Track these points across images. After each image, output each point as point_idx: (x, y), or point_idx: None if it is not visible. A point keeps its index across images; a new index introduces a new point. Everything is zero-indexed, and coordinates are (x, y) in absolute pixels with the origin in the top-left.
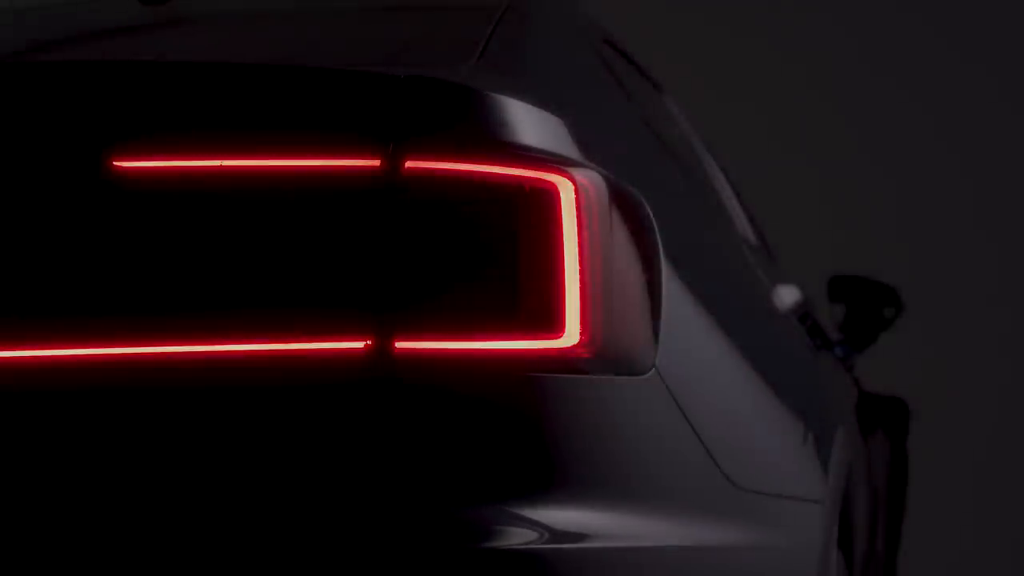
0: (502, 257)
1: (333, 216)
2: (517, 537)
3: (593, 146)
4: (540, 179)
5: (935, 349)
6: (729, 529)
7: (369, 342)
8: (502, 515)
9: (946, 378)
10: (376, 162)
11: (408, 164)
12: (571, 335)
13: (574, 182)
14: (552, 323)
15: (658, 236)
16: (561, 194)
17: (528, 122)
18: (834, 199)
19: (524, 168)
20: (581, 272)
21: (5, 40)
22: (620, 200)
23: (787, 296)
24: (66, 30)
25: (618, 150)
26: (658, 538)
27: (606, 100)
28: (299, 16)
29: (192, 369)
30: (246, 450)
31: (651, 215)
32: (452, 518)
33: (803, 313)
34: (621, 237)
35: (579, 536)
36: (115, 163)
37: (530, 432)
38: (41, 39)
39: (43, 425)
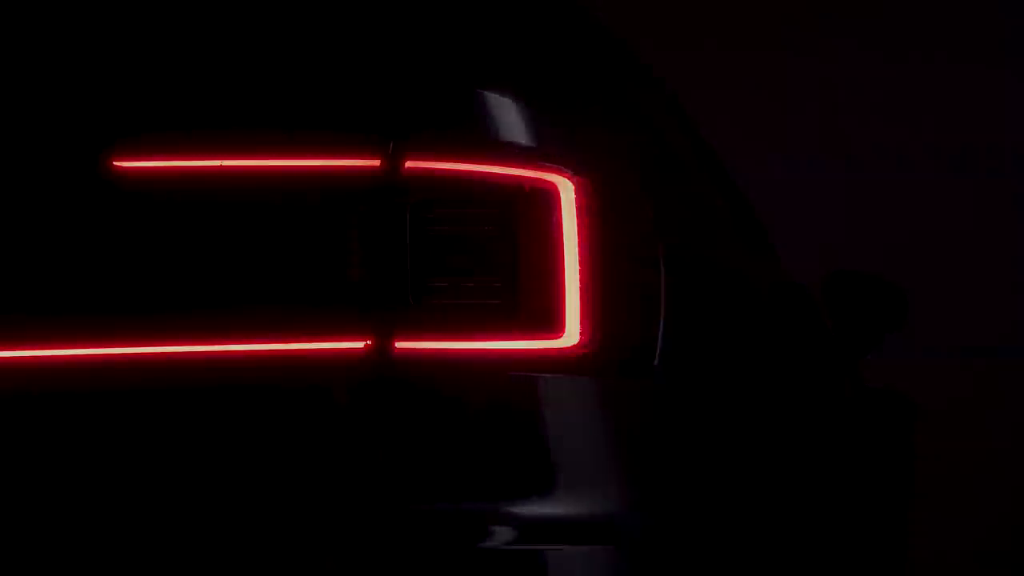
0: (502, 257)
1: (333, 216)
2: (516, 537)
3: (593, 146)
4: (540, 179)
5: (935, 349)
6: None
7: (369, 342)
8: (501, 515)
9: (946, 378)
10: (376, 162)
11: (408, 163)
12: (571, 335)
13: (574, 182)
14: (552, 323)
15: (658, 236)
16: (561, 194)
17: (528, 122)
18: (834, 199)
19: (524, 168)
20: (581, 272)
21: (5, 39)
22: (620, 200)
23: (787, 296)
24: (66, 28)
25: (618, 150)
26: (658, 538)
27: (607, 100)
28: (298, 16)
29: (192, 369)
30: (246, 450)
31: (651, 215)
32: (451, 518)
33: (803, 313)
34: (621, 237)
35: (579, 536)
36: (115, 163)
37: (530, 432)
38: (41, 38)
39: (41, 425)
